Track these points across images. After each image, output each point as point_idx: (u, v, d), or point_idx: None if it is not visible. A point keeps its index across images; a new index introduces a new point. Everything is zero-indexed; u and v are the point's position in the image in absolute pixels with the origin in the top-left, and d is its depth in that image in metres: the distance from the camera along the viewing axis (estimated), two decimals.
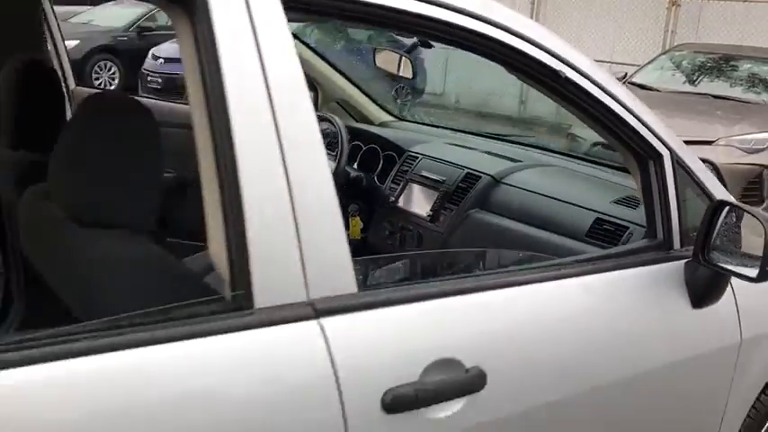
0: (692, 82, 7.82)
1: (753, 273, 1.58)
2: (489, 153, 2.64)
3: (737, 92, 7.42)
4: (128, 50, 11.75)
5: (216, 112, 1.04)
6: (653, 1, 11.50)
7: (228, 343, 1.04)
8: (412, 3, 1.22)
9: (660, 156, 1.68)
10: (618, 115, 1.57)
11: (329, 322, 1.12)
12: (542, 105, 11.31)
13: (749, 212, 1.66)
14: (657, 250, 1.71)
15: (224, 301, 1.08)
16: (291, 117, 1.10)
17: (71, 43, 10.91)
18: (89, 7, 14.33)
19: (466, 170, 2.41)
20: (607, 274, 1.59)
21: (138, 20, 12.05)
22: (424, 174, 2.40)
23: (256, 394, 1.06)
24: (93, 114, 1.35)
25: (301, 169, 1.10)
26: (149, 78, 9.84)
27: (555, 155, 2.72)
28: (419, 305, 1.25)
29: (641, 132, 1.62)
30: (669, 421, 1.77)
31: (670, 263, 1.69)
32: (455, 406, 1.24)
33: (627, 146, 1.67)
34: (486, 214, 2.29)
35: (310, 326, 1.11)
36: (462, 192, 2.36)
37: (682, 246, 1.72)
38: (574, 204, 2.16)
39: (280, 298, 1.08)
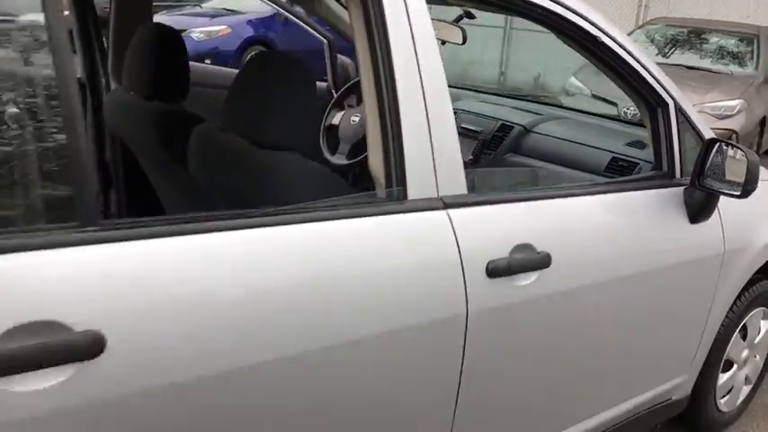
0: (665, 54, 8.37)
1: (737, 191, 2.10)
2: (516, 108, 3.14)
3: (707, 63, 8.02)
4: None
5: (383, 70, 1.52)
6: None
7: (394, 221, 1.53)
8: None
9: (667, 105, 2.18)
10: (639, 73, 2.07)
11: (453, 213, 1.62)
12: (520, 74, 11.82)
13: (734, 146, 2.18)
14: (663, 179, 2.22)
15: (387, 195, 1.56)
16: (430, 73, 1.58)
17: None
18: None
19: (500, 122, 2.92)
20: (629, 193, 2.10)
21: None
22: (464, 125, 2.88)
23: (409, 261, 1.55)
24: (262, 65, 1.81)
25: (435, 109, 1.59)
26: None
27: (567, 110, 3.24)
28: (506, 205, 1.75)
29: (654, 87, 2.12)
30: (670, 313, 2.30)
31: (673, 188, 2.21)
32: (532, 277, 1.74)
33: (642, 97, 2.17)
34: (520, 157, 2.79)
35: (442, 215, 1.60)
36: (498, 140, 2.87)
37: (681, 176, 2.23)
38: (592, 147, 2.67)
39: (423, 193, 1.57)
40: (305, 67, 1.74)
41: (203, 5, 11.45)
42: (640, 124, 2.62)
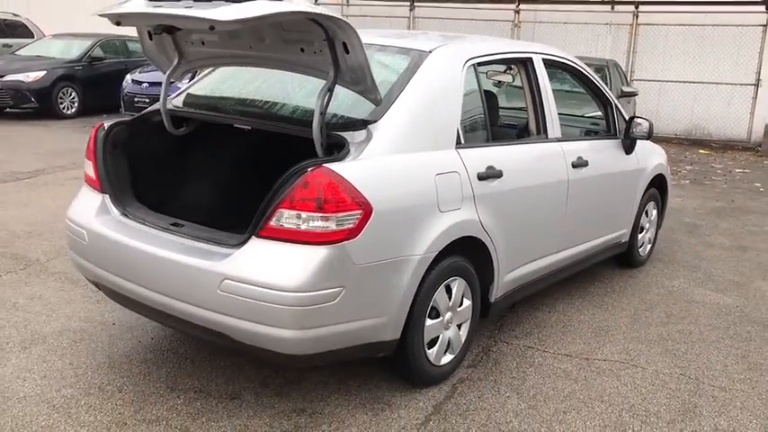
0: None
1: (646, 137, 5.06)
2: None
3: (578, 87, 11.36)
4: (82, 78, 13.87)
5: (536, 93, 4.29)
6: (500, 24, 15.48)
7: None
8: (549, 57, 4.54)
9: (611, 103, 5.11)
10: (601, 90, 4.98)
11: (564, 145, 4.43)
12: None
13: (640, 117, 5.12)
14: (612, 136, 5.14)
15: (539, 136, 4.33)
16: (548, 93, 4.37)
17: (39, 74, 13.07)
18: (32, 40, 16.10)
19: None
20: (601, 141, 4.99)
21: (89, 51, 14.18)
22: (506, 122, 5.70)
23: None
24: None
25: (548, 104, 4.37)
26: (136, 100, 12.18)
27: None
28: (552, 144, 4.56)
29: (607, 96, 5.04)
30: (620, 195, 5.20)
31: (617, 140, 5.13)
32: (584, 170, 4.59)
33: (602, 101, 5.08)
34: None
35: (557, 146, 4.41)
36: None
37: (618, 134, 5.16)
38: (581, 127, 5.58)
39: (553, 135, 4.37)
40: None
41: None
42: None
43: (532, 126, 4.30)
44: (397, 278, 3.17)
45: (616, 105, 5.17)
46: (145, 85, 12.23)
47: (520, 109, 4.82)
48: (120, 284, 3.39)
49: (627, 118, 5.21)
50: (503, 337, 4.25)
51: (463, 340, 3.74)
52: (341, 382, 3.57)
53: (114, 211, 3.54)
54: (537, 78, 4.28)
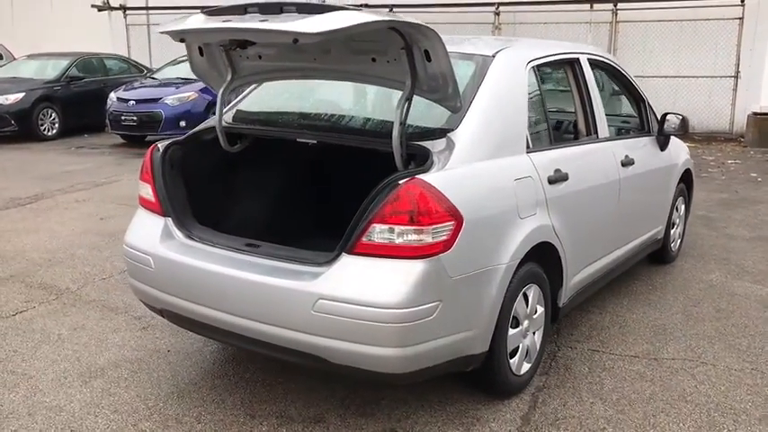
0: None
1: (681, 132, 5.06)
2: None
3: None
4: (62, 98, 13.56)
5: (585, 93, 4.24)
6: (482, 26, 15.54)
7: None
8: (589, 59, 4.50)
9: (644, 100, 5.10)
10: (635, 88, 4.97)
11: (613, 142, 4.40)
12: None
13: (671, 113, 5.12)
14: (647, 133, 5.13)
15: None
16: (594, 91, 4.33)
17: (18, 96, 12.79)
18: (3, 62, 15.70)
19: None
20: (644, 138, 4.97)
21: (67, 70, 13.87)
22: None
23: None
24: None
25: (597, 104, 4.34)
26: (123, 118, 11.93)
27: None
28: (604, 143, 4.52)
29: (640, 92, 5.03)
30: (657, 192, 5.18)
31: (651, 136, 5.12)
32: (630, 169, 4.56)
33: (635, 98, 5.07)
34: None
35: (607, 145, 4.38)
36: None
37: (652, 132, 5.15)
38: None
39: (603, 134, 4.33)
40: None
41: (155, 76, 13.46)
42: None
43: (582, 126, 4.26)
44: (487, 289, 3.10)
45: (649, 102, 5.17)
46: (131, 102, 11.99)
47: (559, 111, 4.78)
48: (193, 310, 3.26)
49: (659, 115, 5.21)
50: (565, 342, 4.19)
51: (538, 348, 3.68)
52: (420, 398, 3.48)
53: (178, 234, 3.41)
54: (585, 78, 4.25)
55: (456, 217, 2.90)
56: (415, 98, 3.15)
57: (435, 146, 3.11)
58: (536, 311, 3.58)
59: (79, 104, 13.68)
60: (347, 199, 3.83)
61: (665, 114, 5.14)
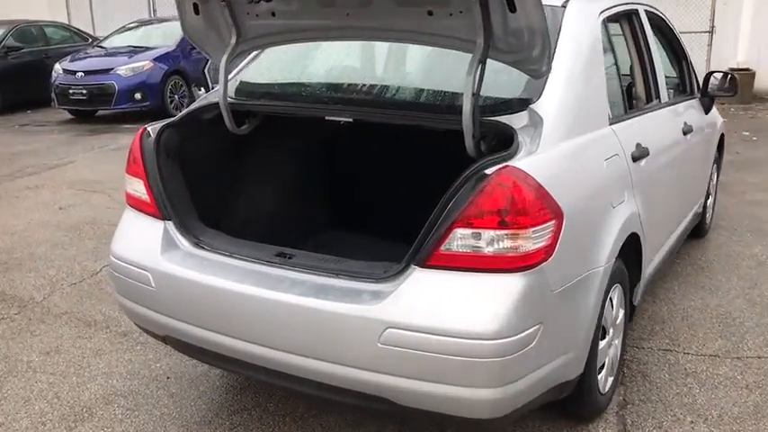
0: None
1: (730, 94, 4.48)
2: None
3: None
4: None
5: (644, 51, 3.61)
6: None
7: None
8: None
9: (686, 59, 4.50)
10: (682, 46, 4.36)
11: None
12: None
13: (716, 71, 4.55)
14: (690, 95, 4.54)
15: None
16: (654, 48, 3.71)
17: None
18: None
19: None
20: (690, 101, 4.38)
21: (2, 41, 12.65)
22: None
23: None
24: None
25: (658, 64, 3.71)
26: (71, 92, 10.89)
27: None
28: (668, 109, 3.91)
29: (685, 51, 4.43)
30: (704, 167, 4.61)
31: (695, 99, 4.53)
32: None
33: (678, 57, 4.47)
34: None
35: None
36: None
37: (695, 93, 4.56)
38: None
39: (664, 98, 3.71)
40: None
41: (103, 44, 12.37)
42: None
43: (646, 90, 3.63)
44: (585, 299, 2.48)
45: (690, 60, 4.58)
46: (79, 74, 10.95)
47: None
48: (209, 339, 2.56)
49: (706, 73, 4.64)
50: (629, 341, 3.61)
51: (619, 357, 3.10)
52: None
53: (183, 242, 2.69)
54: (645, 33, 3.62)
55: (557, 214, 2.26)
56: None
57: (514, 122, 2.45)
58: (619, 316, 2.99)
59: (19, 78, 12.49)
60: (386, 191, 3.17)
61: (711, 73, 4.56)
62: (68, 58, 11.75)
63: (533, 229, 2.18)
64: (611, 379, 2.99)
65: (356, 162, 3.63)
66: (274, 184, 3.41)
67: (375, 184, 3.60)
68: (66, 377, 3.32)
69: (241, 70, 3.27)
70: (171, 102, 11.19)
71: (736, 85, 4.53)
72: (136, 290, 2.73)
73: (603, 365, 2.87)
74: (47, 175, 7.62)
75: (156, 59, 10.99)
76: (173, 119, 2.96)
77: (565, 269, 2.33)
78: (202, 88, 4.46)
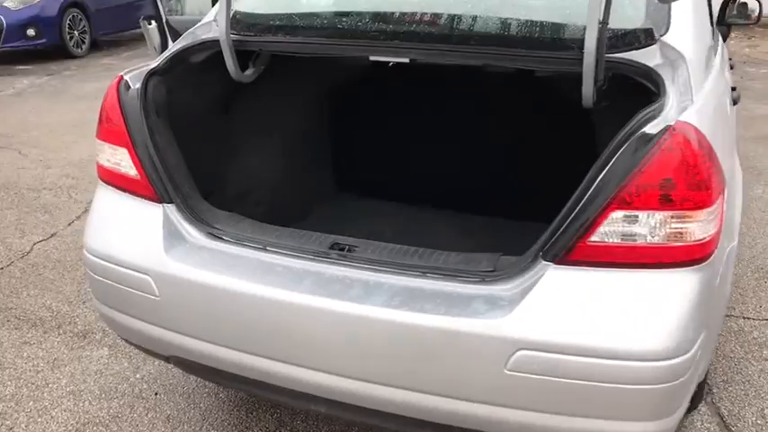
0: None
1: (753, 21, 4.03)
2: None
3: None
4: None
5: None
6: None
7: None
8: None
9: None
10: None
11: None
12: None
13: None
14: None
15: None
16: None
17: None
18: None
19: None
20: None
21: None
22: None
23: None
24: None
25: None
26: None
27: None
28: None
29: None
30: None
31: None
32: None
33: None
34: None
35: None
36: None
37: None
38: None
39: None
40: None
41: None
42: None
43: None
44: (724, 287, 1.97)
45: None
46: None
47: None
48: (240, 363, 1.90)
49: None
50: None
51: None
52: None
53: (191, 231, 1.98)
54: None
55: (720, 187, 1.72)
56: None
57: (644, 60, 1.86)
58: None
59: None
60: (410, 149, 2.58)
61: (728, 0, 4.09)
62: None
63: (710, 208, 1.62)
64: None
65: (371, 114, 2.95)
66: (277, 146, 2.70)
67: (395, 139, 2.96)
68: (20, 404, 2.57)
69: None
70: (71, 38, 9.91)
71: (761, 11, 4.08)
72: (129, 299, 2.01)
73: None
74: None
75: None
76: (155, 64, 2.18)
77: (720, 252, 1.80)
78: (153, 21, 3.55)
